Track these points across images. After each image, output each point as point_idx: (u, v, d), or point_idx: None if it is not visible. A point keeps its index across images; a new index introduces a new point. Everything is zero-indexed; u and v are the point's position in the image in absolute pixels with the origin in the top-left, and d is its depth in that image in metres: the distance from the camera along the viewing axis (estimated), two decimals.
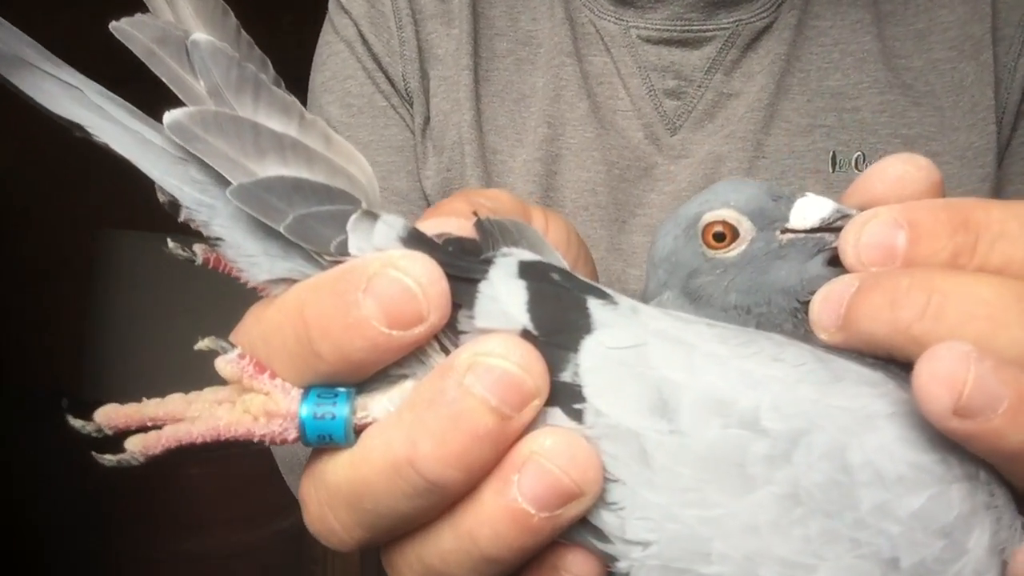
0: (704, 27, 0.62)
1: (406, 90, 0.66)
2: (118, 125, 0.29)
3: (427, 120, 0.66)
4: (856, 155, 0.60)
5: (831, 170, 0.60)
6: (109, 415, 0.31)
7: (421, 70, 0.65)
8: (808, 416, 0.22)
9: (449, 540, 0.24)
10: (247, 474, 2.33)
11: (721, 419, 0.22)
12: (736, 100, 0.63)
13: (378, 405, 0.25)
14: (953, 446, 0.22)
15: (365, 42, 0.66)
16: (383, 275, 0.24)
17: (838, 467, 0.22)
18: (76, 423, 0.31)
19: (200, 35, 0.29)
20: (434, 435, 0.23)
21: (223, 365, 0.27)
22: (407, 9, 0.65)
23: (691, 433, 0.23)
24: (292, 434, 0.25)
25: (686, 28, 0.62)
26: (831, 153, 0.61)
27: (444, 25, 0.65)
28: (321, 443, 0.25)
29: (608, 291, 0.26)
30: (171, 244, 0.34)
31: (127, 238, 2.40)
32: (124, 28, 0.29)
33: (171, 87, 0.29)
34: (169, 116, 0.28)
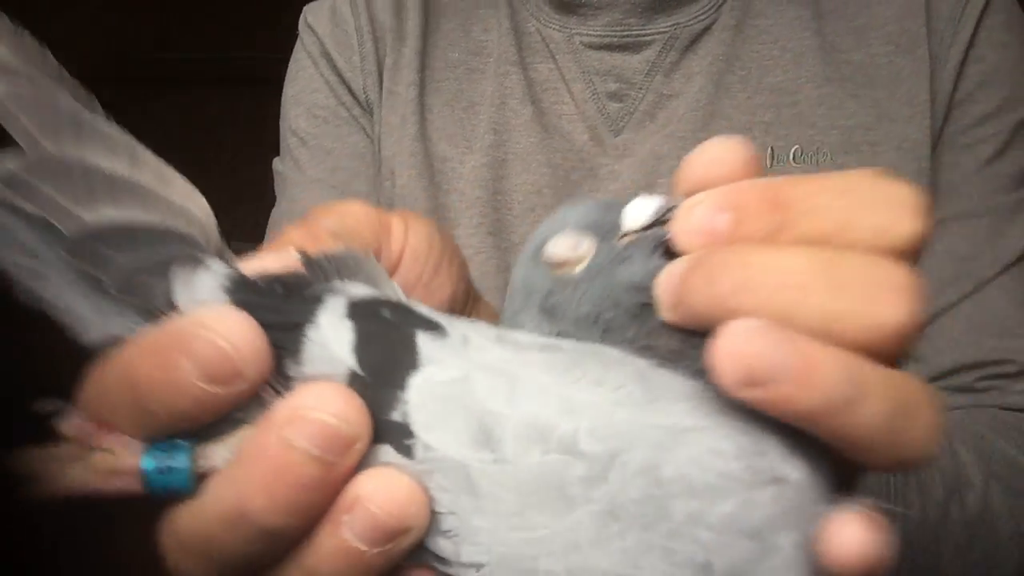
0: (643, 31, 0.65)
1: (367, 102, 0.72)
2: None
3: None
4: (794, 148, 0.61)
5: (768, 165, 0.61)
6: None
7: (379, 83, 0.71)
8: (624, 437, 0.24)
9: None
10: None
11: (541, 446, 0.24)
12: (676, 100, 0.65)
13: (218, 454, 0.26)
14: (762, 452, 0.24)
15: (329, 58, 0.73)
16: (197, 336, 0.24)
17: (651, 482, 0.24)
18: None
19: None
20: (262, 488, 0.24)
21: (66, 427, 0.27)
22: (368, 26, 0.71)
23: (514, 461, 0.24)
24: (138, 488, 0.26)
25: (626, 33, 0.65)
26: (769, 149, 0.62)
27: (397, 40, 0.70)
28: (168, 495, 0.26)
29: (441, 321, 0.27)
30: None
31: None
32: None
33: None
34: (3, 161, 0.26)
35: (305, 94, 0.77)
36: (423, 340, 0.26)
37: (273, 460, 0.24)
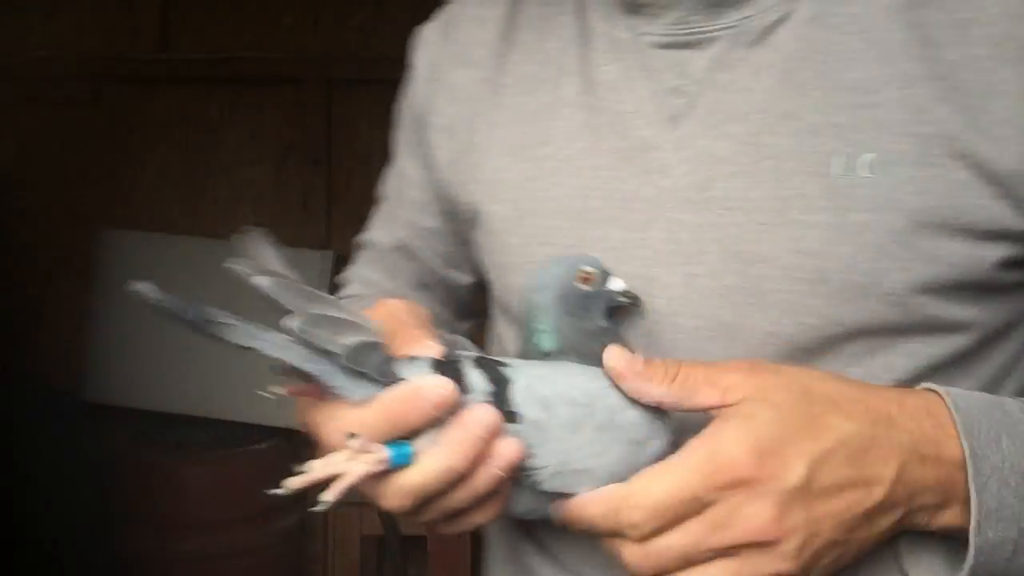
0: (709, 28, 0.62)
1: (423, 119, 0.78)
2: (266, 341, 0.50)
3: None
4: (869, 157, 0.56)
5: (839, 172, 0.56)
6: (296, 483, 0.50)
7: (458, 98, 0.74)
8: (595, 395, 0.54)
9: (463, 496, 0.52)
10: (247, 474, 2.33)
11: (566, 405, 0.53)
12: (740, 98, 0.61)
13: (421, 443, 0.51)
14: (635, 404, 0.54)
15: (415, 93, 0.78)
16: (433, 388, 0.50)
17: (608, 411, 0.54)
18: (283, 491, 0.51)
19: (262, 279, 0.51)
20: (460, 451, 0.50)
21: (354, 443, 0.50)
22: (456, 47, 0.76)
23: (557, 414, 0.53)
24: (387, 467, 0.51)
25: (690, 30, 0.62)
26: (838, 155, 0.57)
27: (465, 67, 0.74)
28: (397, 467, 0.51)
29: (503, 359, 0.56)
30: (270, 390, 0.54)
31: (127, 238, 2.40)
32: (263, 284, 0.51)
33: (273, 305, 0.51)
34: (291, 322, 0.50)
35: (402, 133, 0.83)
36: (507, 370, 0.54)
37: (465, 439, 0.50)
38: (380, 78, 2.69)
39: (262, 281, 0.50)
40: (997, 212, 0.55)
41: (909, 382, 0.57)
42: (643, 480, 0.51)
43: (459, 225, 0.75)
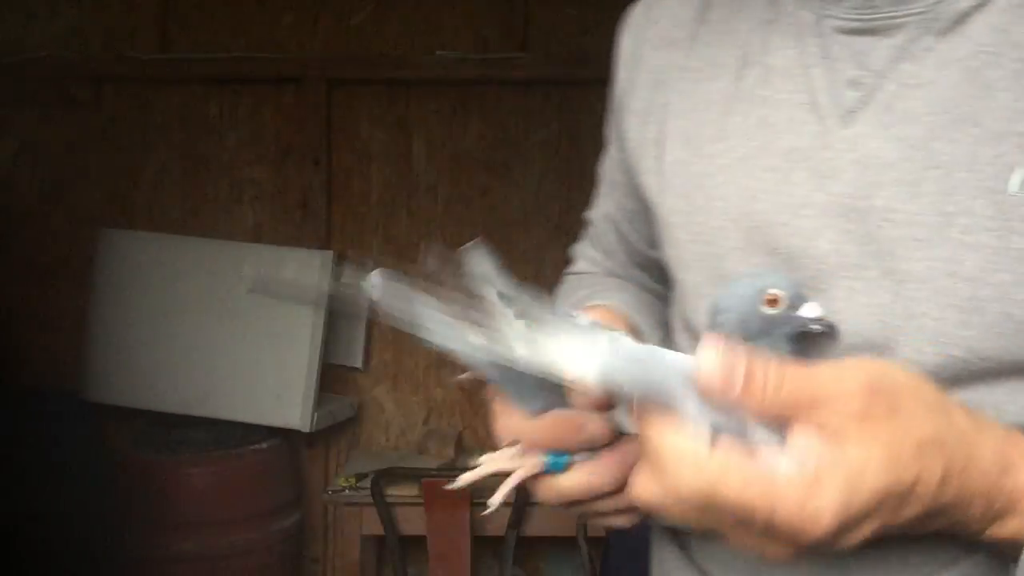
0: (895, 12, 0.56)
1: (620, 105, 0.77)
2: (464, 345, 0.52)
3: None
4: None
5: (1008, 191, 0.50)
6: (468, 479, 0.58)
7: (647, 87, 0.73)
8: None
9: (607, 505, 0.60)
10: (247, 474, 2.33)
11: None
12: (921, 93, 0.54)
13: (580, 455, 0.57)
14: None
15: (618, 76, 0.76)
16: (590, 423, 0.58)
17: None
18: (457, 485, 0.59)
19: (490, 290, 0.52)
20: (605, 476, 0.58)
21: (513, 451, 0.58)
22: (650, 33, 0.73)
23: None
24: (544, 470, 0.57)
25: (874, 15, 0.57)
26: (1020, 168, 0.50)
27: (663, 49, 0.72)
28: (551, 473, 0.57)
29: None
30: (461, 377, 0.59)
31: (127, 238, 2.40)
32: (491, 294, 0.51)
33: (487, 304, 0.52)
34: (497, 330, 0.51)
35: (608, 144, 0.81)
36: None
37: (614, 465, 0.57)
38: (380, 78, 2.72)
39: (490, 292, 0.51)
40: None
41: None
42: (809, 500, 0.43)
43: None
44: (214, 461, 2.23)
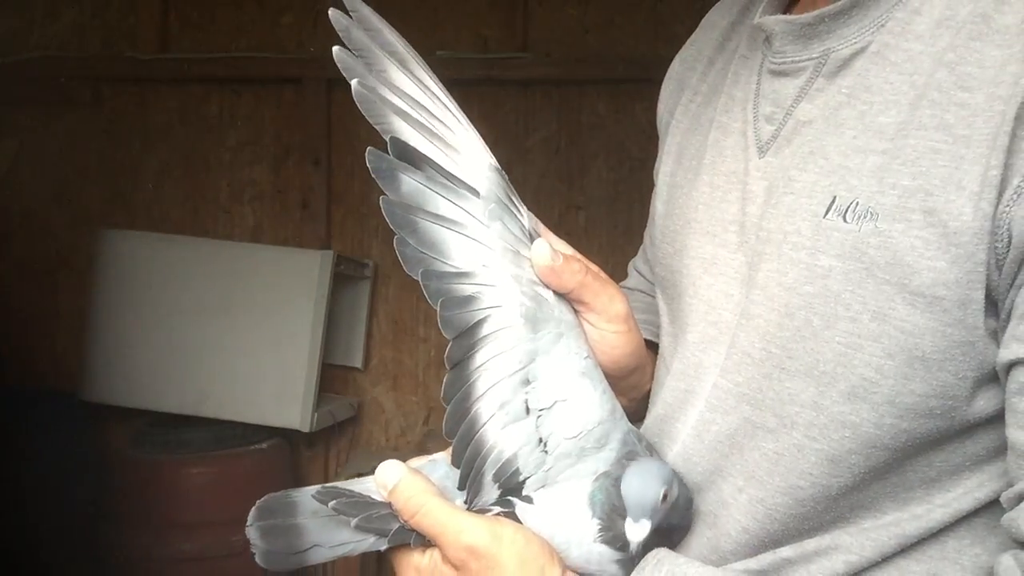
0: (798, 58, 0.65)
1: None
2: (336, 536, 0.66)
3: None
4: (854, 203, 0.56)
5: (823, 214, 0.58)
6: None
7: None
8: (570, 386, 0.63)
9: None
10: (247, 474, 2.33)
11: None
12: (806, 128, 0.62)
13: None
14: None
15: (664, 90, 0.85)
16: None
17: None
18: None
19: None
20: None
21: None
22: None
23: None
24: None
25: (783, 60, 0.66)
26: (832, 198, 0.58)
27: (691, 71, 0.82)
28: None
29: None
30: None
31: (127, 238, 2.40)
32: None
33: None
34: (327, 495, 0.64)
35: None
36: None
37: None
38: None
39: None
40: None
41: None
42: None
43: None
44: (214, 461, 2.23)
